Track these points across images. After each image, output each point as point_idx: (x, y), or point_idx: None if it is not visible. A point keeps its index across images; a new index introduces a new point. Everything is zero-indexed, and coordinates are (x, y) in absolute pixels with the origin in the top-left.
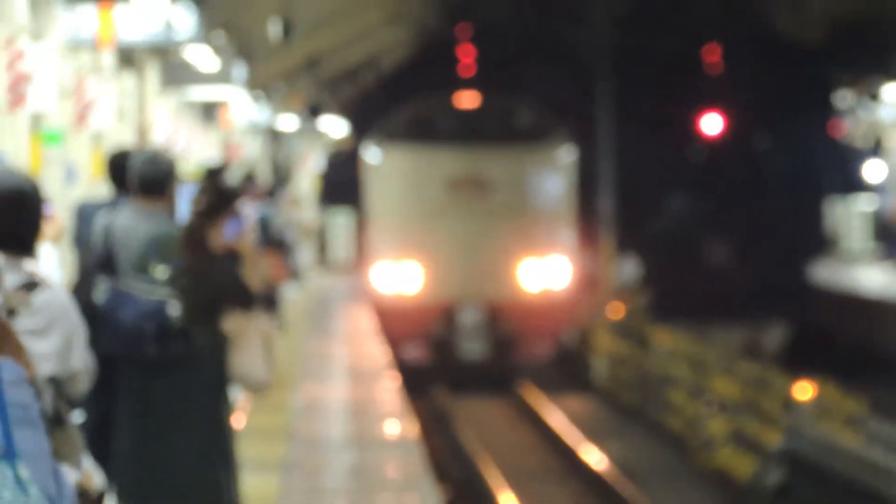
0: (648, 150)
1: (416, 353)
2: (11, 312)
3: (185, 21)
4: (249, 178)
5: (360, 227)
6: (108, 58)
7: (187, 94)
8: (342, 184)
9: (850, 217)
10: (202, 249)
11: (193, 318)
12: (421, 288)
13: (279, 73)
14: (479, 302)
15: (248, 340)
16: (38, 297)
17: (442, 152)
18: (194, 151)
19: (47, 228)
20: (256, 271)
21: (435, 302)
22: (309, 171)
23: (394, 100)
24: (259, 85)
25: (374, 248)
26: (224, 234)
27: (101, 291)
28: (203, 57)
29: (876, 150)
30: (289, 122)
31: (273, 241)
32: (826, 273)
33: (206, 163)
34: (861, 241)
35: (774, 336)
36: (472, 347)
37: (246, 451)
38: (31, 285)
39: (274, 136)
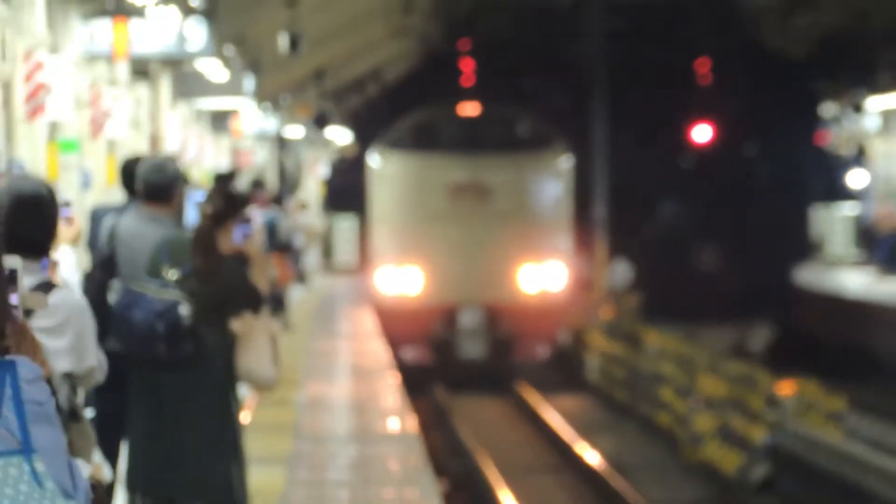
0: (641, 159)
1: (417, 353)
2: (28, 312)
3: (197, 34)
4: (258, 185)
5: (365, 231)
6: (122, 69)
7: (199, 104)
8: (347, 190)
9: (833, 223)
10: (212, 252)
11: (203, 319)
12: (423, 290)
13: (287, 84)
14: (478, 304)
15: (256, 340)
16: (54, 297)
17: (443, 160)
18: (205, 158)
19: (67, 231)
20: (263, 273)
21: (436, 304)
22: (315, 178)
23: (397, 110)
24: (267, 95)
25: (378, 251)
26: (233, 238)
27: (114, 292)
28: (214, 69)
29: (859, 158)
30: (296, 130)
31: (280, 245)
32: (810, 276)
33: (217, 169)
34: (844, 245)
35: (760, 337)
36: (472, 348)
37: (253, 446)
38: (46, 286)
39: (282, 144)
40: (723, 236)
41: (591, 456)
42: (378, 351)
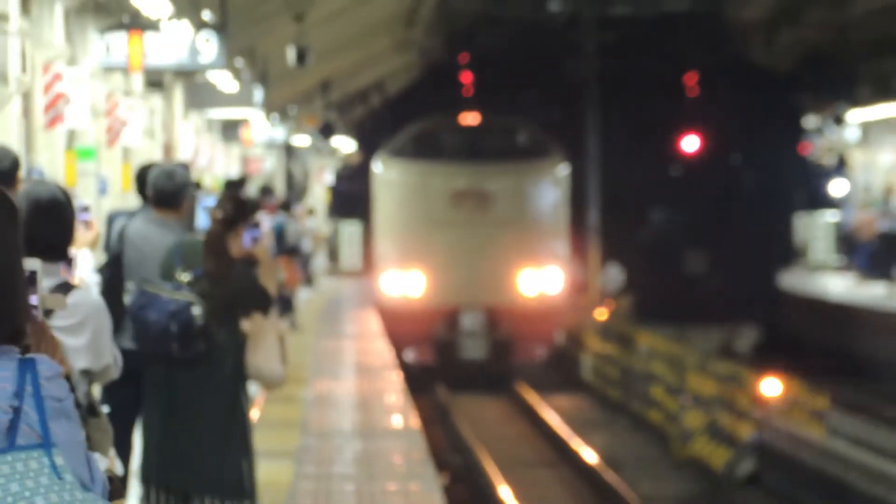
0: (632, 168)
1: (420, 353)
2: (48, 312)
3: (209, 48)
4: (266, 191)
5: (369, 236)
6: (137, 81)
7: (210, 114)
8: (351, 196)
9: (815, 229)
10: (223, 256)
11: (215, 319)
12: (425, 293)
13: (294, 95)
14: (479, 307)
15: (265, 339)
16: (72, 298)
17: (445, 167)
18: (216, 166)
19: (86, 235)
20: (272, 276)
21: (438, 306)
22: (322, 185)
23: (399, 119)
24: (276, 106)
25: (382, 256)
26: (242, 242)
27: (129, 293)
28: (225, 80)
29: (840, 168)
30: (303, 139)
31: (288, 249)
32: (794, 281)
33: (227, 176)
34: (826, 251)
35: (746, 338)
36: (473, 349)
37: (262, 440)
38: (65, 287)
39: (289, 152)
40: (710, 242)
41: (586, 452)
42: (382, 350)
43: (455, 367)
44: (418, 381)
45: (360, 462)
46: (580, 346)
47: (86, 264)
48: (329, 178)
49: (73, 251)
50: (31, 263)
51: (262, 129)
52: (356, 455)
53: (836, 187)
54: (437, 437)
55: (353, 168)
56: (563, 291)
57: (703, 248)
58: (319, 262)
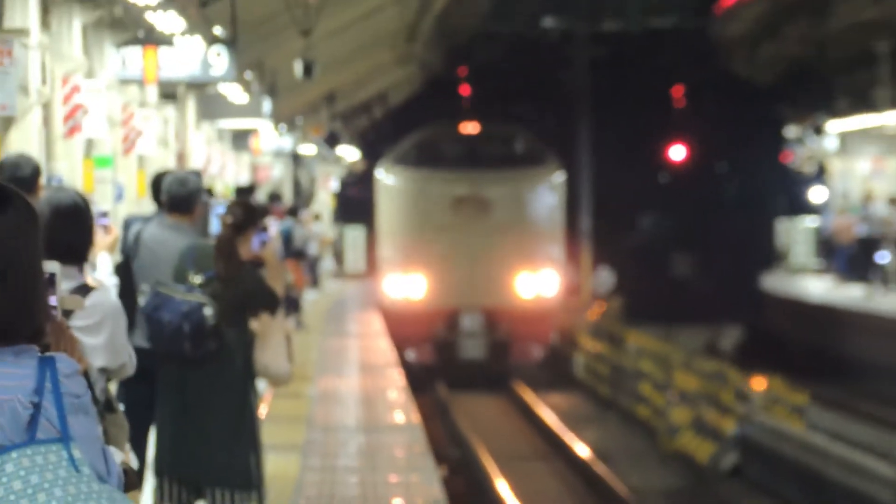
0: (622, 175)
1: (421, 353)
2: (68, 313)
3: (220, 61)
4: (275, 197)
5: (373, 240)
6: (152, 92)
7: (221, 124)
8: (356, 202)
9: (796, 234)
10: (233, 259)
11: (225, 319)
12: (426, 295)
13: (301, 106)
14: (478, 308)
15: (273, 338)
16: (90, 299)
17: (445, 175)
18: (227, 173)
19: (105, 239)
20: (279, 278)
21: (439, 308)
22: (327, 191)
23: (401, 129)
24: (283, 116)
25: (385, 259)
26: (251, 246)
27: (143, 294)
28: (235, 92)
29: (819, 176)
30: (309, 148)
31: (295, 252)
32: (775, 283)
33: (237, 183)
34: (806, 255)
35: (730, 337)
36: (472, 349)
37: (270, 435)
38: (84, 289)
39: (296, 161)
40: (696, 246)
41: (578, 445)
42: (384, 349)
43: (455, 366)
44: (419, 380)
45: (364, 455)
46: (573, 346)
47: (104, 267)
48: (334, 185)
49: (93, 254)
50: (51, 266)
51: (270, 138)
52: (360, 448)
53: (816, 194)
54: (436, 432)
55: (358, 175)
56: (559, 294)
57: (689, 252)
58: (325, 265)
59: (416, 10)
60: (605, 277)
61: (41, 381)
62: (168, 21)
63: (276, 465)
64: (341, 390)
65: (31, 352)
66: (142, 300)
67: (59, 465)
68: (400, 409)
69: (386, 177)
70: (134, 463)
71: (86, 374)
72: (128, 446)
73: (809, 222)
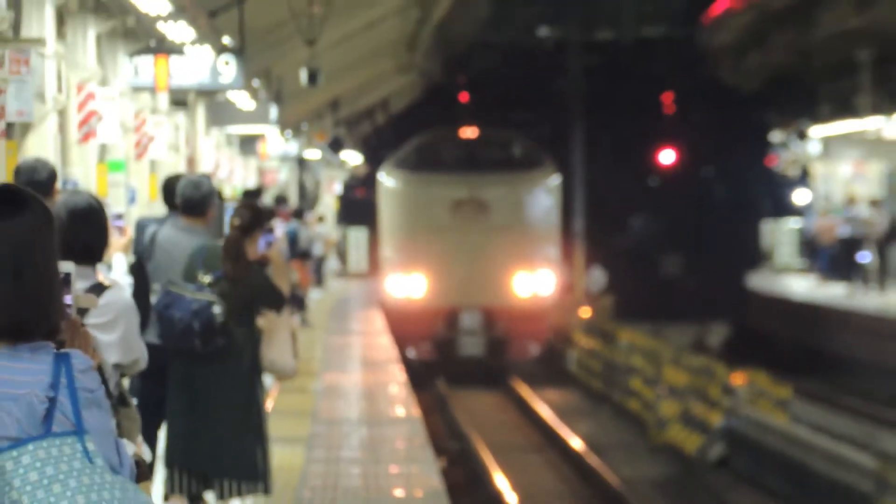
0: (614, 179)
1: (422, 350)
2: (83, 311)
3: (228, 70)
4: (281, 200)
5: (375, 241)
6: (163, 99)
7: (229, 130)
8: (359, 205)
9: (781, 235)
10: (240, 259)
11: (233, 317)
12: (427, 294)
13: (306, 112)
14: (477, 307)
15: (279, 335)
16: (106, 297)
17: (445, 178)
18: (235, 177)
19: (120, 240)
20: (285, 277)
21: (439, 306)
22: (331, 194)
23: (402, 134)
24: (289, 122)
25: (387, 259)
26: (258, 247)
27: (155, 293)
28: (243, 99)
29: (803, 179)
30: (314, 153)
31: (300, 253)
32: (761, 282)
33: (245, 187)
34: (790, 255)
35: (717, 334)
36: (471, 346)
37: (276, 428)
38: (99, 288)
39: (302, 165)
40: (685, 246)
41: (571, 438)
42: (386, 346)
43: (454, 362)
44: (420, 376)
45: (366, 447)
46: (567, 342)
47: (119, 267)
48: (338, 188)
49: (108, 255)
50: (66, 266)
51: (276, 143)
52: (362, 441)
53: (800, 196)
54: (436, 426)
55: (360, 179)
56: (555, 293)
57: (678, 253)
58: (329, 265)
59: (416, 21)
60: (598, 277)
61: (57, 377)
62: (179, 31)
63: (282, 456)
64: (344, 385)
65: (47, 348)
66: (153, 299)
67: (74, 457)
68: (401, 403)
69: (387, 180)
70: (147, 455)
71: (100, 370)
72: (140, 439)
73: (793, 224)
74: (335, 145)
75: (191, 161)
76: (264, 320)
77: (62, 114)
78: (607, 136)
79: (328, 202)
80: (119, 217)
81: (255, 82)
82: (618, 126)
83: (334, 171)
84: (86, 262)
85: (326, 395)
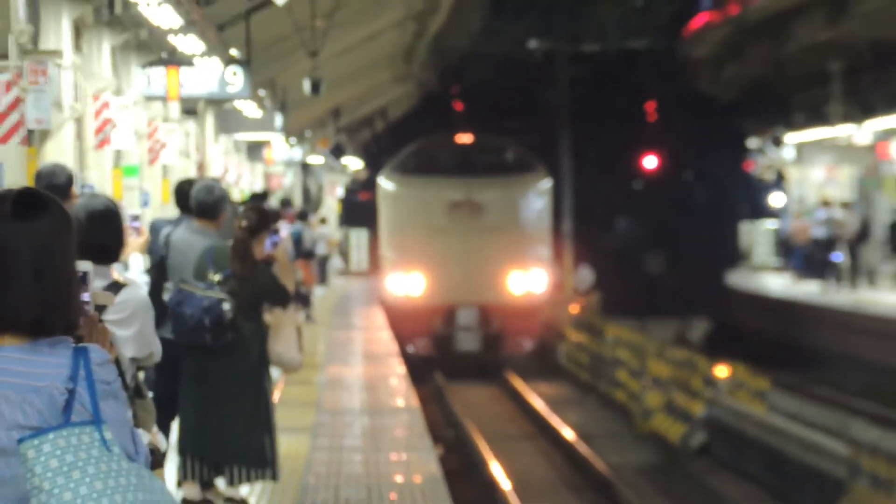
0: (600, 182)
1: (420, 346)
2: (101, 308)
3: (236, 80)
4: (286, 203)
5: (375, 242)
6: (174, 108)
7: (237, 137)
8: (360, 207)
9: (757, 235)
10: (248, 259)
11: (241, 313)
12: (425, 292)
13: (309, 120)
14: (473, 304)
15: (285, 330)
16: (122, 294)
17: (442, 181)
18: (242, 182)
19: (137, 241)
20: (290, 275)
21: (437, 304)
22: (333, 197)
23: (400, 141)
24: (294, 130)
25: (387, 259)
26: (265, 247)
27: (167, 291)
28: (250, 108)
29: (778, 183)
30: (317, 158)
31: (305, 253)
32: (739, 279)
33: (252, 190)
34: (766, 254)
35: (698, 328)
36: (467, 341)
37: (283, 418)
38: (115, 286)
39: (305, 170)
40: (667, 246)
41: (562, 427)
42: (387, 340)
43: (451, 357)
44: (419, 370)
45: (368, 436)
46: (557, 337)
47: (136, 266)
48: (340, 191)
49: (126, 255)
50: (83, 265)
51: (281, 149)
52: (364, 430)
53: (775, 199)
54: (434, 416)
55: (361, 183)
56: (547, 290)
57: (661, 252)
58: (332, 264)
59: (413, 34)
60: (586, 275)
61: (75, 369)
62: (189, 44)
63: (289, 445)
64: (347, 377)
65: (66, 343)
66: (166, 296)
67: (92, 446)
68: (400, 394)
69: (387, 183)
70: (162, 444)
71: (117, 363)
72: (155, 428)
73: (769, 225)
74: (337, 151)
75: (201, 166)
76: (271, 316)
77: (79, 121)
78: (594, 143)
79: (331, 205)
80: (136, 219)
81: (261, 92)
82: (604, 133)
83: (336, 175)
84: (103, 262)
85: (330, 386)
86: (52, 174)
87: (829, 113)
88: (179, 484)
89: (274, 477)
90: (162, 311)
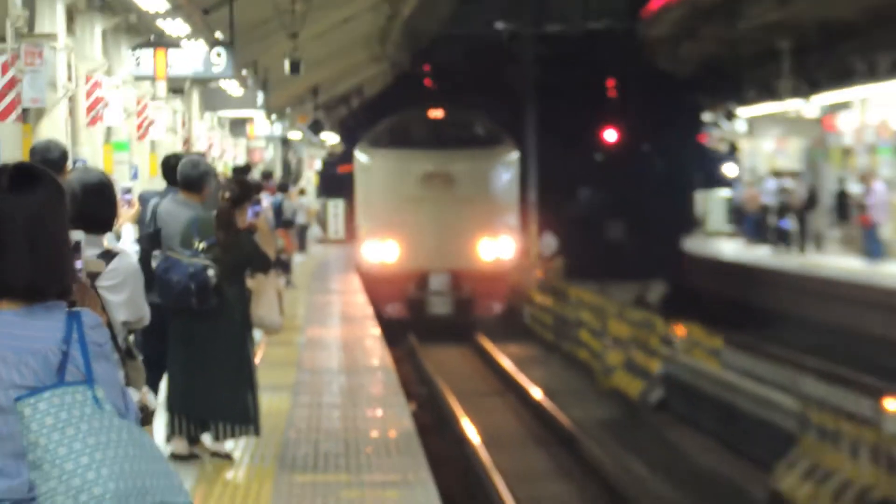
0: (564, 155)
1: (395, 309)
2: (94, 275)
3: (220, 60)
4: (267, 176)
5: (352, 211)
6: (162, 87)
7: (221, 114)
8: (337, 179)
9: (712, 203)
10: (231, 228)
11: (225, 279)
12: (399, 259)
13: (289, 98)
14: (445, 270)
15: (266, 295)
16: (114, 262)
17: (415, 153)
18: (226, 156)
19: (129, 212)
20: (271, 243)
21: (410, 270)
22: (312, 170)
23: (375, 116)
24: (275, 107)
25: (363, 227)
26: (247, 216)
27: (155, 259)
28: (233, 87)
29: (731, 154)
30: (297, 134)
31: (285, 222)
32: (694, 245)
33: (235, 164)
34: (720, 221)
35: (656, 291)
36: (440, 305)
37: (265, 377)
38: (108, 255)
39: (286, 144)
40: (627, 214)
41: (528, 384)
42: (362, 304)
43: (424, 320)
44: (393, 333)
45: (345, 393)
46: (523, 300)
47: (128, 236)
48: (318, 164)
49: (119, 225)
50: (76, 235)
51: (263, 125)
52: (341, 388)
53: (728, 169)
54: (407, 374)
55: (338, 156)
56: (514, 257)
57: (621, 220)
58: (311, 232)
59: (387, 17)
60: (550, 241)
61: (69, 332)
62: (175, 27)
63: (271, 402)
64: (325, 339)
65: (60, 307)
66: (154, 263)
67: (85, 404)
68: (376, 354)
69: (363, 156)
70: (152, 402)
71: (109, 326)
72: (146, 388)
73: (723, 193)
74: (315, 127)
75: (187, 142)
76: (253, 282)
77: (72, 100)
78: (558, 118)
79: (309, 177)
80: (128, 192)
81: (244, 72)
82: (567, 108)
83: (315, 149)
84: (98, 232)
85: (309, 347)
86: (47, 149)
87: (778, 88)
88: (168, 439)
89: (257, 432)
90: (151, 278)
